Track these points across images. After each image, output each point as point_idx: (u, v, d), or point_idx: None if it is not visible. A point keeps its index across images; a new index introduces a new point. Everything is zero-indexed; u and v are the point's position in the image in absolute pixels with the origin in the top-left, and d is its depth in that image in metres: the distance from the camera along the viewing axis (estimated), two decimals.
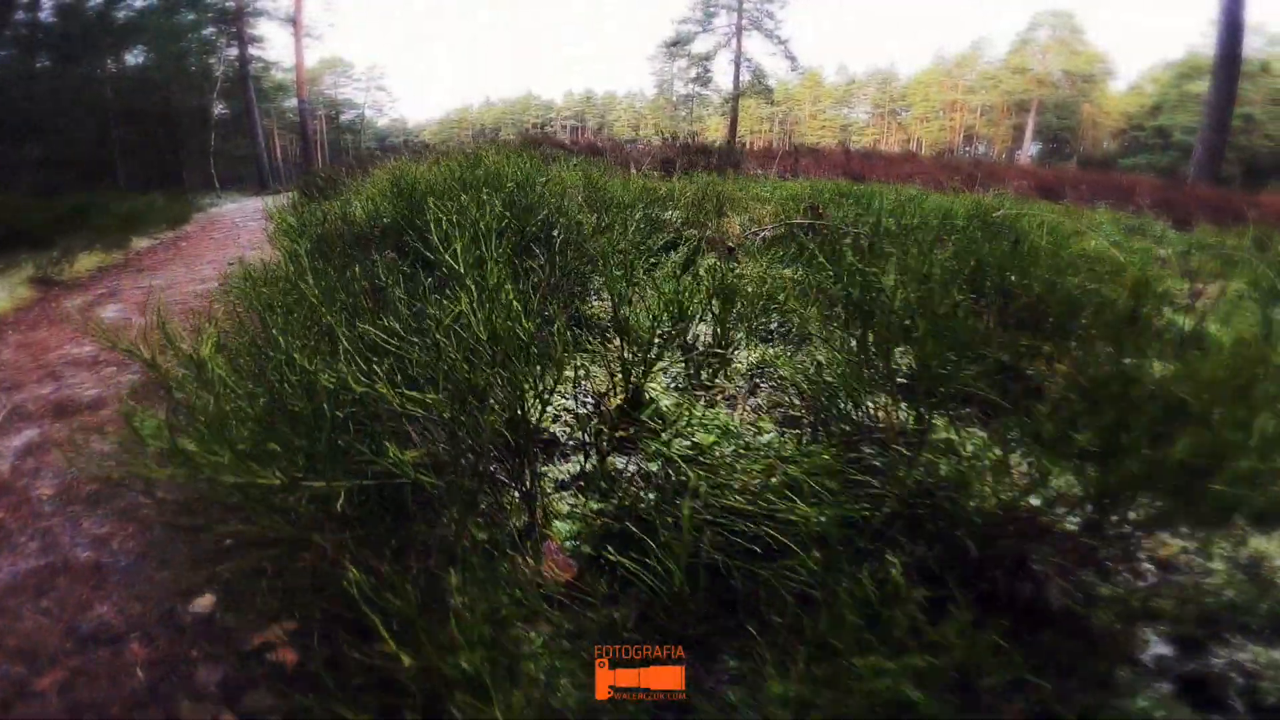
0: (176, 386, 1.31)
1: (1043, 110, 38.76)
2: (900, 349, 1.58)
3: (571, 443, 1.57)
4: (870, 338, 1.46)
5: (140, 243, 8.73)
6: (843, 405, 1.50)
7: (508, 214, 2.50)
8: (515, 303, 1.35)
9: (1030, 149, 40.08)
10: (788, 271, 2.96)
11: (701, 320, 2.17)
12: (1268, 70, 29.17)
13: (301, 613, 1.25)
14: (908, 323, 1.41)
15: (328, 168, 19.82)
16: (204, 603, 1.83)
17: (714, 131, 33.98)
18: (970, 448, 1.33)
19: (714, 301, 1.77)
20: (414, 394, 1.20)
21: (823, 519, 1.10)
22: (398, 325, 1.44)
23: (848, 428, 1.48)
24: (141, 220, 9.43)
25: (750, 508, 1.13)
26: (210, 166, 22.13)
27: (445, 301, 1.49)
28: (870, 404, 1.50)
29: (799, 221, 3.65)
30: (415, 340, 1.38)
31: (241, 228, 10.39)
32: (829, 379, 1.58)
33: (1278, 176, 25.90)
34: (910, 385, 1.50)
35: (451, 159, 4.21)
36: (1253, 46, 16.32)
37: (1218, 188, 13.90)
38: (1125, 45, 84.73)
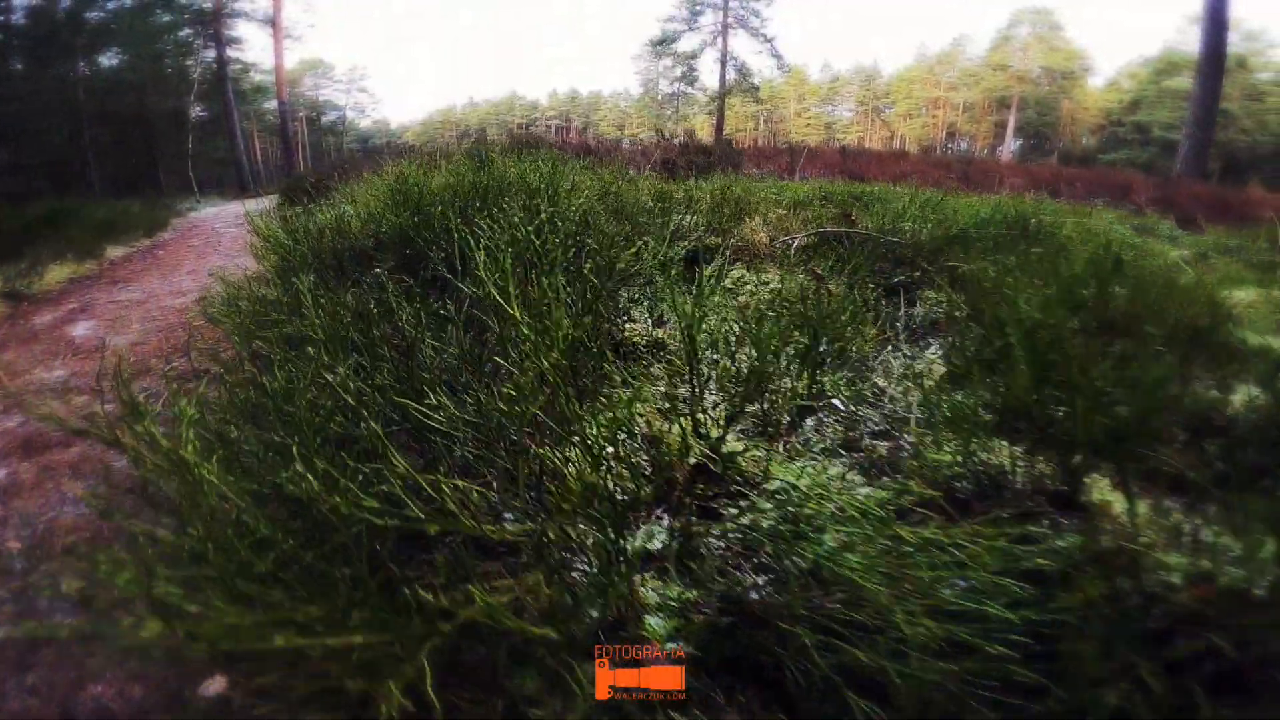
0: (153, 483, 1.04)
1: (1023, 107, 39.06)
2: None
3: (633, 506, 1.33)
4: (1016, 377, 1.23)
5: (115, 251, 8.23)
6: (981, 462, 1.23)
7: (531, 229, 2.25)
8: (593, 346, 1.11)
9: (1012, 145, 40.39)
10: (836, 287, 2.71)
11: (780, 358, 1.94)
12: (1244, 66, 29.60)
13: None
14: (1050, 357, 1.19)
15: (310, 170, 19.37)
16: (216, 686, 1.56)
17: (700, 130, 33.82)
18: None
19: (796, 335, 1.53)
20: (504, 527, 0.93)
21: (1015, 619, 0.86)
22: (448, 403, 1.17)
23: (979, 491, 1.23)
24: (116, 227, 8.95)
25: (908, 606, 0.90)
26: (188, 170, 21.53)
27: (496, 359, 1.24)
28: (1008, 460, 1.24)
29: (833, 229, 3.41)
30: (468, 416, 1.12)
31: (222, 234, 9.92)
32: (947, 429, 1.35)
33: (1255, 171, 26.26)
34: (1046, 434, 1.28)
35: (460, 161, 3.87)
36: (1227, 42, 16.45)
37: (1207, 183, 13.95)
38: (1102, 42, 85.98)
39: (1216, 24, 14.82)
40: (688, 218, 3.61)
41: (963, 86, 40.93)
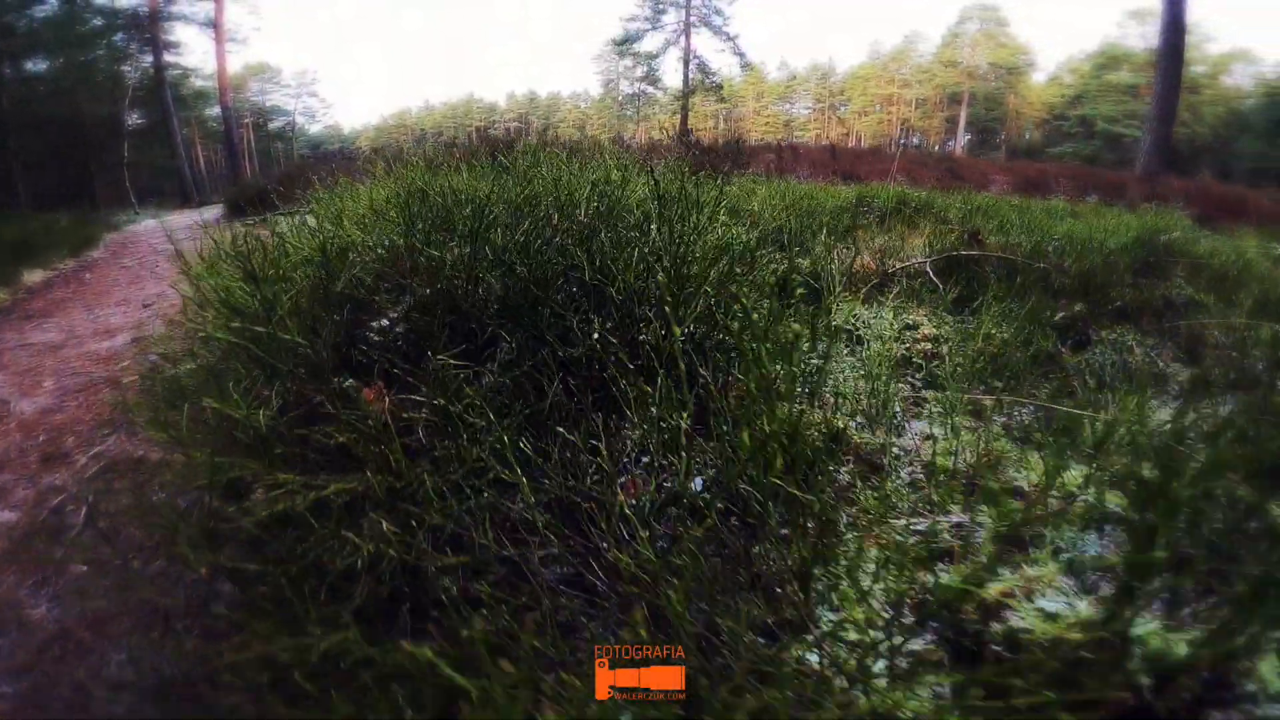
0: None
1: (973, 102, 40.08)
2: None
3: None
4: None
5: (34, 276, 7.03)
6: None
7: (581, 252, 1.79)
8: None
9: (962, 140, 41.40)
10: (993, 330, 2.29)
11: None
12: (1185, 62, 30.82)
13: None
14: None
15: (259, 178, 18.56)
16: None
17: (661, 129, 33.70)
18: None
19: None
20: None
21: None
22: None
23: None
24: (37, 246, 7.78)
25: None
26: (125, 180, 20.45)
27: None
28: None
29: (965, 252, 3.02)
30: None
31: (160, 252, 8.61)
32: None
33: (1193, 164, 27.40)
34: None
35: (478, 162, 3.00)
36: (1185, 37, 17.05)
37: (1193, 180, 14.31)
38: (1041, 37, 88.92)
39: (1175, 20, 15.41)
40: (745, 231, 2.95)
41: (915, 83, 41.79)
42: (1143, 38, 34.58)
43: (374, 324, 1.83)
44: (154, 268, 7.36)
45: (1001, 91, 40.10)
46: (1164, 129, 15.18)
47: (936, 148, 41.26)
